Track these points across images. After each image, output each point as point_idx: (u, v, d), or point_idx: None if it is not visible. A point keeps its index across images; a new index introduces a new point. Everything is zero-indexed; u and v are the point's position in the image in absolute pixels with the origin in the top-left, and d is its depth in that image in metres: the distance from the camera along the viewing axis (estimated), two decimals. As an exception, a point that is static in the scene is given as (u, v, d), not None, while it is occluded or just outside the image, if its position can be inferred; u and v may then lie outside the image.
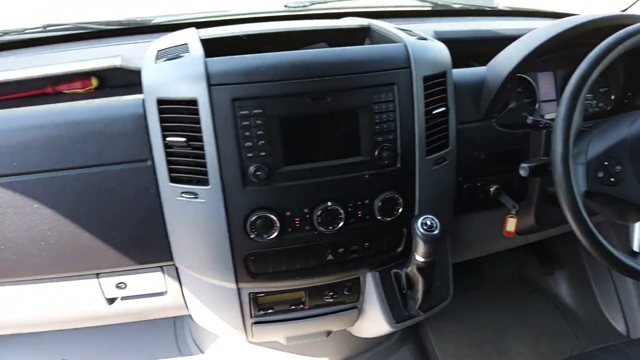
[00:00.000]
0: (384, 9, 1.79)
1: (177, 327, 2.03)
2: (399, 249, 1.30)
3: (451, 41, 1.44)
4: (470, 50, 1.52)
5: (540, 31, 1.31)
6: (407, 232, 1.27)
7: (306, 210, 1.16)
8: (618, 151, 1.09)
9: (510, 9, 1.97)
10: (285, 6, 1.70)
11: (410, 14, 1.81)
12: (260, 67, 1.08)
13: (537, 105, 1.45)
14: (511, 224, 1.38)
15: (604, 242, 1.06)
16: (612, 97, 1.52)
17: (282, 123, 1.10)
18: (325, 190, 1.16)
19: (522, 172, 1.19)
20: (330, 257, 1.24)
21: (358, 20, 1.44)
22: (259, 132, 1.09)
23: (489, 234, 1.53)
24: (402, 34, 1.25)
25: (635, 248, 1.12)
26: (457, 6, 1.90)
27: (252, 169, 1.09)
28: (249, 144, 1.09)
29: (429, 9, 1.85)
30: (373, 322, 1.39)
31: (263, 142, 1.09)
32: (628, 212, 1.13)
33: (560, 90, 1.47)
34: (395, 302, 1.33)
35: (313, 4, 1.70)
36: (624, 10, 1.89)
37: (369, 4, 1.78)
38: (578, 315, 2.16)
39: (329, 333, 1.46)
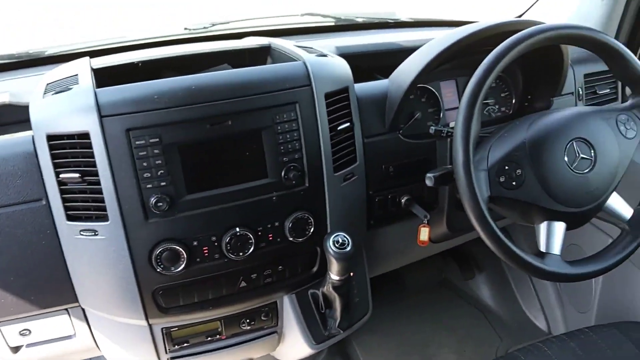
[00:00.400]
0: (287, 26, 1.78)
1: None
2: (314, 269, 1.28)
3: (354, 56, 1.45)
4: (374, 63, 1.52)
5: (438, 41, 1.33)
6: (321, 251, 1.25)
7: (214, 238, 1.12)
8: (518, 155, 1.11)
9: (412, 20, 2.00)
10: (185, 29, 1.66)
11: (313, 30, 1.81)
12: (153, 94, 1.03)
13: (441, 114, 1.47)
14: (424, 234, 1.38)
15: (510, 245, 1.07)
16: (513, 101, 1.56)
17: (181, 150, 1.06)
18: (232, 216, 1.13)
19: (428, 182, 1.19)
20: (243, 284, 1.20)
21: (258, 40, 1.42)
22: (157, 162, 1.04)
23: (405, 245, 1.53)
24: (301, 52, 1.24)
25: (542, 248, 1.14)
26: (360, 20, 1.91)
27: (152, 200, 1.05)
28: (147, 174, 1.04)
29: (332, 24, 1.85)
30: (294, 346, 1.37)
31: (162, 171, 1.05)
32: (532, 214, 1.15)
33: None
34: (315, 323, 1.31)
35: (214, 25, 1.66)
36: (519, 16, 1.96)
37: (271, 23, 1.76)
38: (500, 316, 2.21)
39: (251, 360, 1.42)
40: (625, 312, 1.80)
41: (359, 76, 1.32)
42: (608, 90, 1.64)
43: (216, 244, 1.13)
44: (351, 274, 1.27)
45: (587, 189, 1.13)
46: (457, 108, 1.48)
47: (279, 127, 1.12)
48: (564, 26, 1.12)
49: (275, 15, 1.80)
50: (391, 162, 1.34)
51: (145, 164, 1.04)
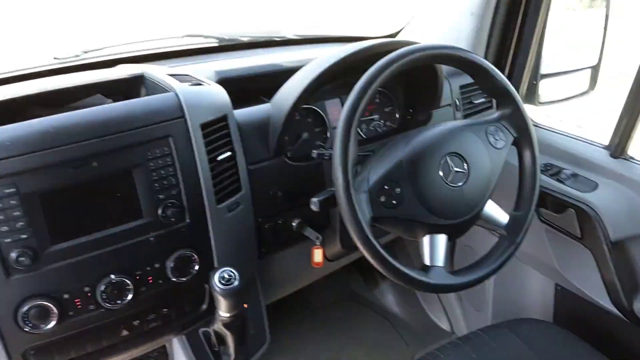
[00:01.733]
0: (166, 49, 1.69)
1: None
2: (204, 307, 1.23)
3: (236, 79, 1.41)
4: (260, 85, 1.48)
5: (316, 63, 1.32)
6: (209, 287, 1.20)
7: (87, 289, 1.04)
8: (396, 174, 1.12)
9: (300, 37, 1.97)
10: (55, 58, 1.55)
11: (195, 52, 1.73)
12: (5, 140, 0.94)
13: (328, 133, 1.46)
14: (318, 255, 1.38)
15: (395, 263, 1.08)
16: (397, 115, 1.58)
17: (42, 199, 0.98)
18: (106, 263, 1.05)
19: (313, 207, 1.18)
20: (125, 332, 1.13)
21: (131, 69, 1.34)
22: (16, 214, 0.95)
23: (301, 268, 1.52)
24: (173, 82, 1.18)
25: (426, 262, 1.15)
26: (245, 39, 1.86)
27: (13, 255, 0.96)
28: (5, 228, 0.95)
29: (216, 44, 1.79)
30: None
31: (22, 223, 0.96)
32: (414, 229, 1.16)
33: None
34: None
35: (86, 52, 1.56)
36: (394, 35, 1.98)
37: (149, 47, 1.67)
38: (406, 322, 2.25)
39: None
40: (518, 307, 1.89)
41: (244, 99, 1.29)
42: (483, 100, 1.71)
43: (90, 294, 1.05)
44: (245, 305, 1.24)
45: (463, 200, 1.16)
46: None
47: (151, 164, 1.06)
48: (432, 47, 1.15)
49: (153, 38, 1.71)
50: (279, 187, 1.32)
51: (2, 217, 0.95)
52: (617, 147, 1.49)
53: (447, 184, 1.14)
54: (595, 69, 1.81)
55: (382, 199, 1.10)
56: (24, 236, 0.97)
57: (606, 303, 1.54)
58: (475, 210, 1.19)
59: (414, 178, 1.12)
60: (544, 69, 1.79)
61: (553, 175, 1.60)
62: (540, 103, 1.82)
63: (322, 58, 1.33)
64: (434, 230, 1.16)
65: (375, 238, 1.07)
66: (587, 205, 1.47)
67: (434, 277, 1.14)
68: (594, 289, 1.57)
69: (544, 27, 1.72)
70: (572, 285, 1.65)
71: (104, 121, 1.03)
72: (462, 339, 1.44)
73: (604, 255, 1.49)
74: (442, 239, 1.17)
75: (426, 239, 1.16)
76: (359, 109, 1.06)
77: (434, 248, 1.16)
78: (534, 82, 1.78)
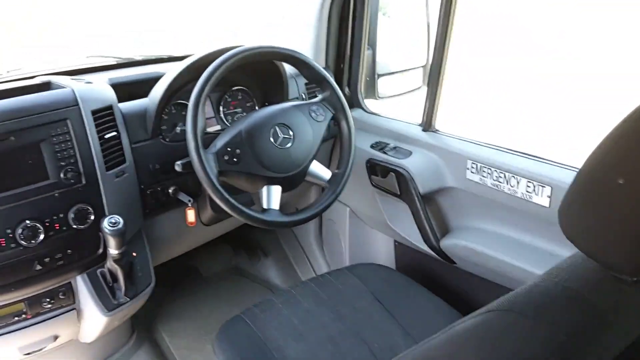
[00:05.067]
0: (76, 67, 2.05)
1: None
2: (100, 251, 1.59)
3: (124, 84, 1.79)
4: (146, 90, 1.80)
5: (176, 65, 1.70)
6: (103, 236, 1.57)
7: (9, 231, 1.40)
8: (236, 139, 1.51)
9: (183, 55, 2.35)
10: None
11: (97, 69, 2.09)
12: None
13: None
14: (190, 215, 1.75)
15: (237, 204, 1.47)
16: (256, 108, 1.99)
17: None
18: (22, 212, 1.42)
19: (177, 168, 1.57)
20: (38, 267, 1.48)
21: (42, 78, 1.72)
22: None
23: (181, 229, 1.87)
24: (71, 82, 1.57)
25: (264, 206, 1.54)
26: (139, 58, 2.25)
27: None
28: None
29: (115, 62, 2.17)
30: (92, 320, 1.65)
31: None
32: (255, 181, 1.54)
33: (216, 108, 1.91)
34: (105, 295, 1.61)
35: (9, 72, 1.91)
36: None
37: (60, 66, 2.03)
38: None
39: (56, 337, 1.67)
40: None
41: (135, 99, 1.69)
42: None
43: (11, 235, 1.41)
44: (134, 254, 1.62)
45: (290, 159, 1.57)
46: (212, 117, 1.89)
47: (54, 139, 1.44)
48: (259, 47, 1.56)
49: (64, 59, 2.08)
50: (157, 161, 1.70)
51: None
52: (425, 123, 1.90)
53: (276, 146, 1.55)
54: (425, 68, 2.22)
55: (226, 157, 1.49)
56: None
57: (422, 245, 1.97)
58: (302, 167, 1.60)
59: (250, 142, 1.52)
60: (379, 70, 2.21)
61: (380, 149, 2.01)
62: (379, 97, 2.23)
63: (180, 63, 1.71)
64: (269, 182, 1.55)
65: (222, 187, 1.47)
66: (403, 168, 1.88)
67: (269, 216, 1.53)
68: (412, 235, 2.00)
69: (374, 37, 2.14)
70: (401, 236, 2.07)
71: (20, 108, 1.41)
72: (311, 280, 1.84)
73: (416, 206, 1.91)
74: (276, 189, 1.56)
75: (264, 189, 1.56)
76: (204, 92, 1.45)
77: (270, 195, 1.56)
78: (368, 79, 2.20)
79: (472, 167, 1.73)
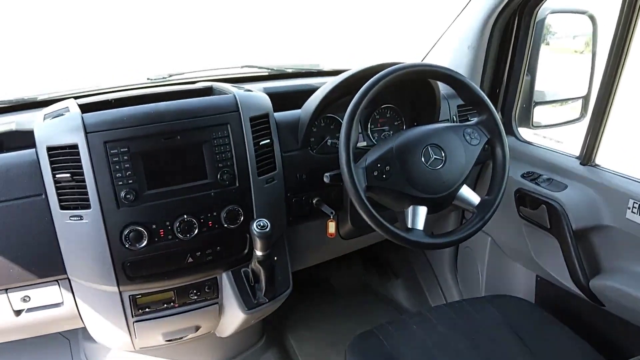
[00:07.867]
0: (231, 76, 2.20)
1: (72, 350, 2.25)
2: (245, 251, 1.67)
3: (278, 94, 1.88)
4: (297, 101, 1.89)
5: (332, 81, 1.75)
6: (250, 237, 1.64)
7: (168, 223, 1.52)
8: (387, 156, 1.51)
9: (332, 70, 2.45)
10: (148, 79, 2.08)
11: (252, 79, 2.23)
12: (123, 117, 1.45)
13: None
14: (331, 227, 1.79)
15: (383, 221, 1.46)
16: (404, 127, 1.99)
17: (143, 157, 1.47)
18: (181, 207, 1.53)
19: (325, 179, 1.61)
20: (190, 259, 1.58)
21: (205, 84, 1.85)
22: (126, 165, 1.45)
23: (319, 239, 1.91)
24: (233, 89, 1.67)
25: (409, 225, 1.52)
26: (289, 70, 2.35)
27: (122, 193, 1.45)
28: (119, 175, 1.44)
29: (267, 74, 2.30)
30: (231, 315, 1.74)
31: (130, 172, 1.45)
32: (401, 200, 1.53)
33: (364, 124, 1.94)
34: (246, 293, 1.69)
35: (171, 75, 2.08)
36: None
37: (217, 73, 2.18)
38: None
39: (197, 328, 1.78)
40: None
41: (286, 109, 1.76)
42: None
43: (169, 227, 1.52)
44: (275, 258, 1.68)
45: (440, 180, 1.53)
46: (360, 133, 1.93)
47: (215, 142, 1.54)
48: (419, 65, 1.56)
49: (221, 67, 2.23)
50: (303, 171, 1.76)
51: (117, 167, 1.44)
52: (585, 157, 1.78)
53: (427, 166, 1.52)
54: (585, 99, 2.07)
55: (375, 173, 1.49)
56: (130, 181, 1.46)
57: (569, 283, 1.84)
58: (451, 190, 1.55)
59: (401, 160, 1.51)
60: (537, 97, 2.12)
61: (532, 180, 1.92)
62: (533, 126, 2.16)
63: (335, 77, 1.76)
64: (416, 201, 1.52)
65: (369, 202, 1.46)
66: (555, 201, 1.78)
67: (413, 236, 1.50)
68: (559, 271, 1.88)
69: (534, 63, 2.06)
70: (546, 271, 1.96)
71: (186, 109, 1.53)
72: (446, 304, 1.79)
73: (567, 241, 1.78)
74: (422, 210, 1.53)
75: (410, 209, 1.53)
76: (361, 106, 1.47)
77: (416, 216, 1.53)
78: (525, 106, 2.11)
79: (634, 207, 1.62)
